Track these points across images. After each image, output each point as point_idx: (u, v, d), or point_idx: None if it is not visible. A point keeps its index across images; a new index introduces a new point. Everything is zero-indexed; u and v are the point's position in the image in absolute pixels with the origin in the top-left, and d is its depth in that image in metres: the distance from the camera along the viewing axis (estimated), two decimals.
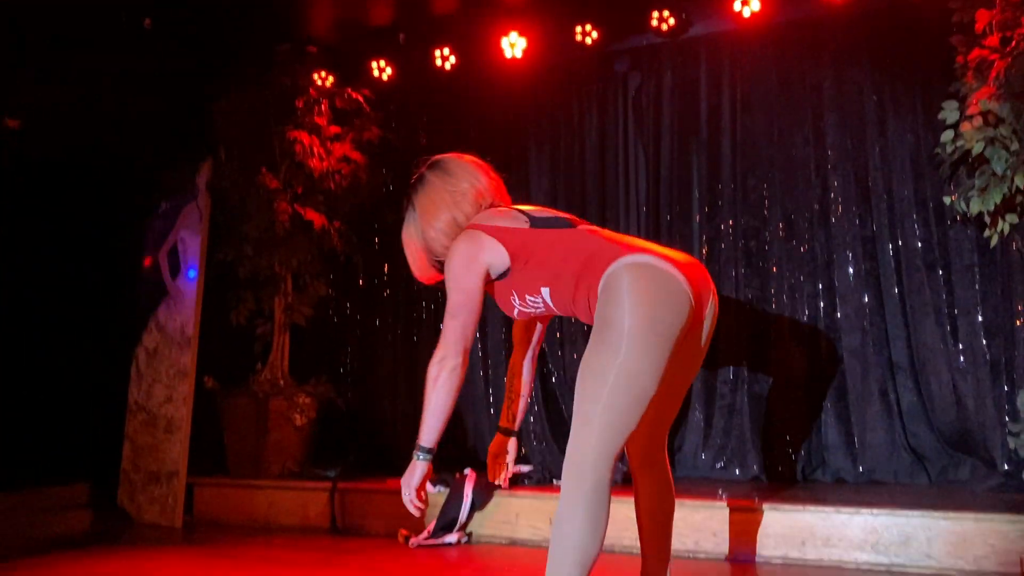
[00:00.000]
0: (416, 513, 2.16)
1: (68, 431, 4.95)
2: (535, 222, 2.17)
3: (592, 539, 1.89)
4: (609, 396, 1.91)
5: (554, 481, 4.09)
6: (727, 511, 3.46)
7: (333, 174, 4.86)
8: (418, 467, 2.12)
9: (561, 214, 2.25)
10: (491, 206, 2.25)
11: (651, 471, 2.34)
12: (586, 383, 1.95)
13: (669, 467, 2.38)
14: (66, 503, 4.42)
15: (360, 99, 4.99)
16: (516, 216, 2.19)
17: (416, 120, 5.45)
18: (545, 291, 2.15)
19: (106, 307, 5.18)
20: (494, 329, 5.03)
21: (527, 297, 2.17)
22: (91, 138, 5.11)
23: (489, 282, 2.18)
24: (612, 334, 1.94)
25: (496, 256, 2.14)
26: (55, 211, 5.06)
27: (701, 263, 2.22)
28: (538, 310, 2.21)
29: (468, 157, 2.33)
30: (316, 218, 4.76)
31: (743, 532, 3.41)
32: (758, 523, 3.40)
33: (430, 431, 2.12)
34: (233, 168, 4.75)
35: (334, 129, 4.97)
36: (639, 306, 1.94)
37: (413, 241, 2.31)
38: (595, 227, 2.24)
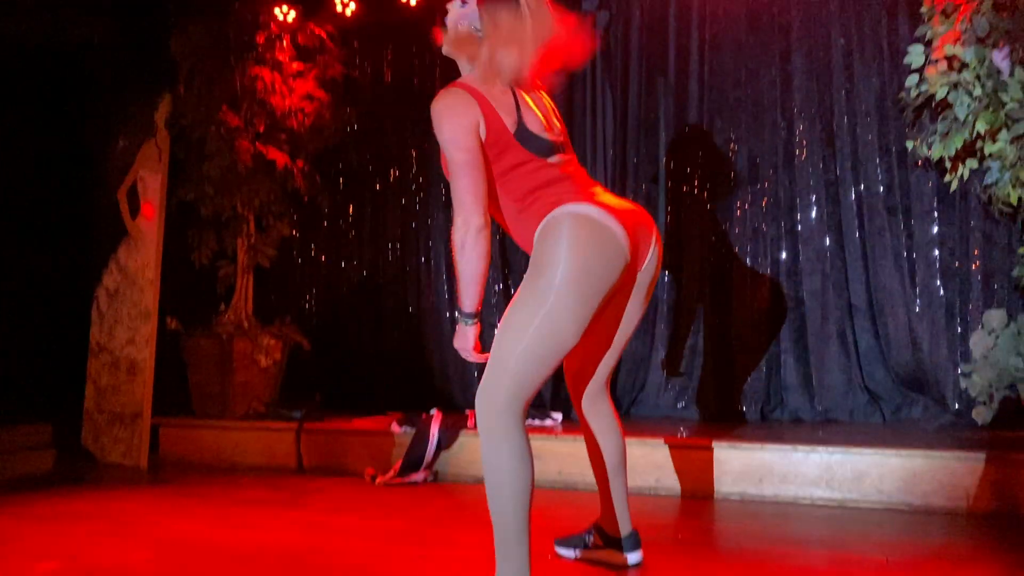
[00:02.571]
0: (484, 359, 2.11)
1: (30, 372, 4.90)
2: (520, 135, 2.09)
3: (522, 471, 1.95)
4: (528, 343, 1.96)
5: None
6: (687, 450, 3.54)
7: (296, 112, 4.76)
8: (468, 331, 2.13)
9: (547, 131, 2.15)
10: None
11: (597, 416, 2.39)
12: (509, 325, 1.99)
13: (615, 410, 2.43)
14: (29, 443, 4.39)
15: (323, 35, 4.88)
16: (510, 110, 2.10)
17: (380, 57, 5.36)
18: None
19: (66, 246, 5.08)
20: None
21: None
22: (44, 71, 4.95)
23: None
24: (543, 282, 1.98)
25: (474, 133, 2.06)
26: (10, 145, 4.92)
27: (645, 211, 2.23)
28: None
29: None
30: (279, 157, 4.68)
31: (703, 470, 3.50)
32: (718, 461, 3.48)
33: (470, 298, 2.08)
34: (193, 104, 4.63)
35: (297, 66, 4.86)
36: (573, 259, 1.98)
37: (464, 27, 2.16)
38: (565, 157, 2.19)
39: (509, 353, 1.97)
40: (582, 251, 1.99)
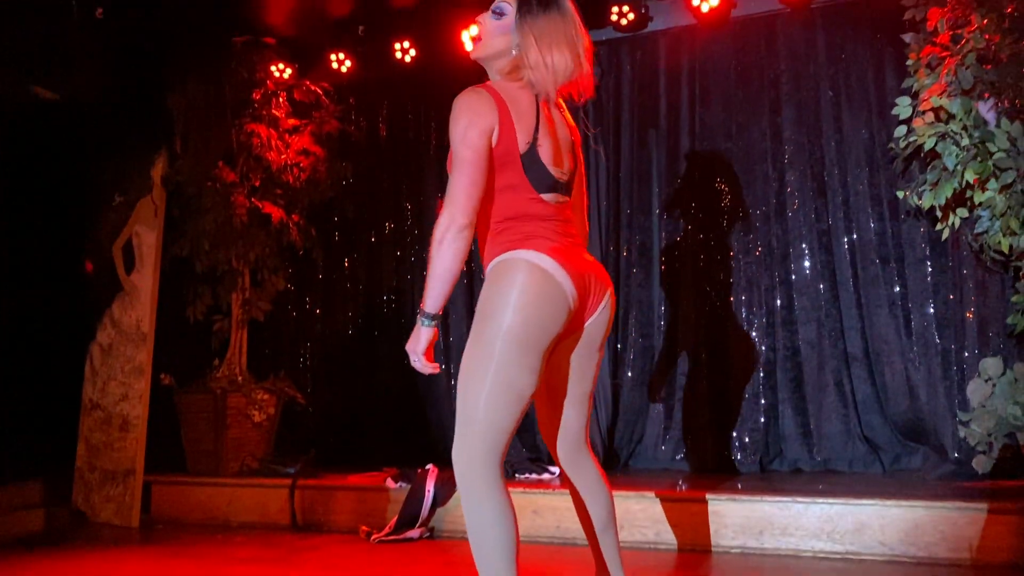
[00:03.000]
0: (433, 371, 2.11)
1: (20, 430, 4.84)
2: (527, 158, 2.09)
3: (505, 528, 1.95)
4: (488, 394, 1.97)
5: (516, 475, 4.10)
6: (686, 503, 3.50)
7: (292, 167, 4.81)
8: (423, 333, 2.07)
9: (554, 166, 2.14)
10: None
11: (579, 472, 2.34)
12: (467, 379, 2.01)
13: (598, 464, 2.37)
14: (19, 503, 4.33)
15: (319, 92, 4.95)
16: (528, 129, 2.09)
17: (376, 113, 5.41)
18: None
19: (59, 302, 5.06)
20: (457, 323, 5.02)
21: None
22: (42, 128, 4.99)
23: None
24: (489, 330, 2.00)
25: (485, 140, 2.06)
26: (4, 200, 4.94)
27: (603, 267, 2.24)
28: None
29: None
30: (274, 212, 4.71)
31: (702, 523, 3.45)
32: (717, 514, 3.44)
33: (435, 298, 2.05)
34: (189, 161, 4.67)
35: (293, 122, 4.92)
36: (521, 309, 2.00)
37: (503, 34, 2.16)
38: (561, 198, 2.18)
39: (474, 407, 1.98)
40: (528, 301, 2.01)
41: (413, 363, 2.12)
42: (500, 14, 2.18)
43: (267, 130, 4.73)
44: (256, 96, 4.81)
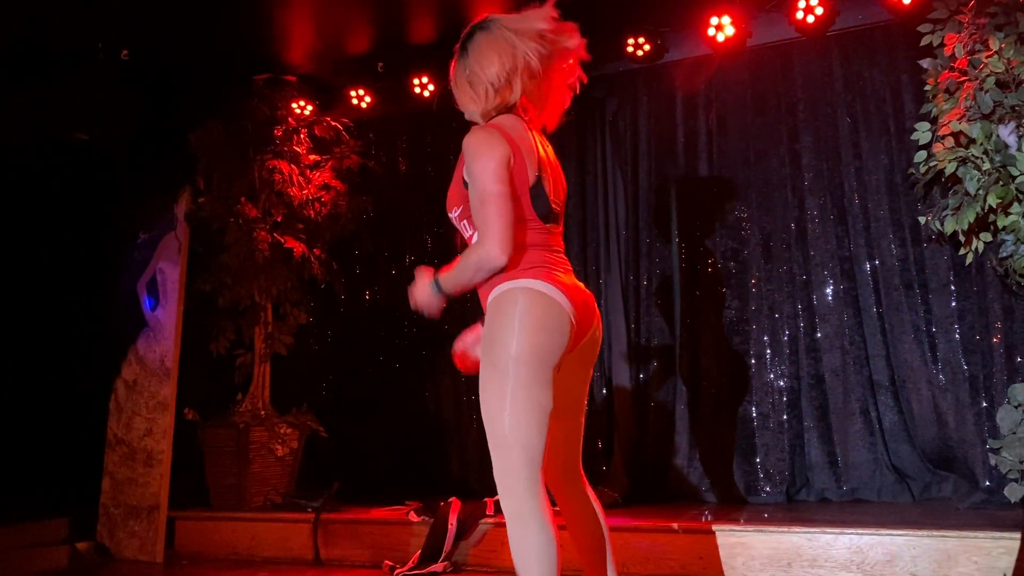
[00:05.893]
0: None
1: (46, 466, 4.87)
2: (535, 191, 2.15)
3: (549, 548, 1.99)
4: (513, 415, 2.01)
5: None
6: (712, 534, 3.45)
7: (313, 202, 4.85)
8: (426, 289, 2.24)
9: (552, 195, 2.21)
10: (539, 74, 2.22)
11: (571, 495, 2.35)
12: (490, 408, 2.05)
13: (589, 488, 2.37)
14: (44, 539, 4.34)
15: (339, 127, 5.00)
16: (533, 162, 2.16)
17: (395, 148, 5.46)
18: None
19: (84, 339, 5.12)
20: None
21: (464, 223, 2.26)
22: (67, 166, 5.08)
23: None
24: (501, 356, 2.04)
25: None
26: (29, 240, 5.02)
27: (591, 295, 2.27)
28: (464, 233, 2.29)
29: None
30: (296, 246, 4.75)
31: (730, 555, 3.40)
32: (744, 545, 3.39)
33: (453, 283, 2.18)
34: (212, 198, 4.73)
35: (314, 157, 4.98)
36: (527, 332, 2.05)
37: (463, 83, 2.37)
38: (556, 228, 2.25)
39: (502, 431, 2.02)
40: (533, 322, 2.06)
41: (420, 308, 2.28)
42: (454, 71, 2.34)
43: (288, 166, 4.79)
44: (278, 133, 4.87)
